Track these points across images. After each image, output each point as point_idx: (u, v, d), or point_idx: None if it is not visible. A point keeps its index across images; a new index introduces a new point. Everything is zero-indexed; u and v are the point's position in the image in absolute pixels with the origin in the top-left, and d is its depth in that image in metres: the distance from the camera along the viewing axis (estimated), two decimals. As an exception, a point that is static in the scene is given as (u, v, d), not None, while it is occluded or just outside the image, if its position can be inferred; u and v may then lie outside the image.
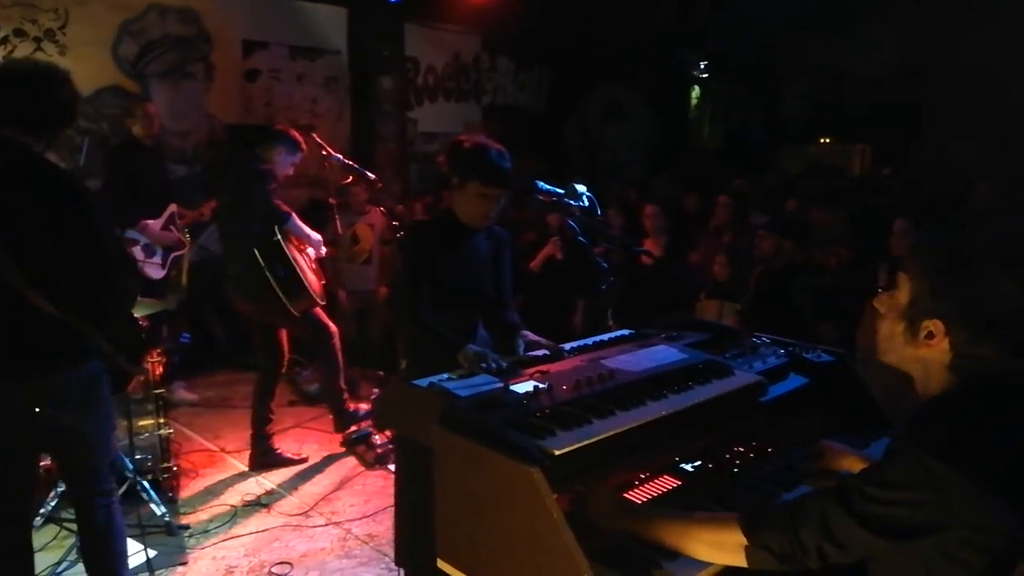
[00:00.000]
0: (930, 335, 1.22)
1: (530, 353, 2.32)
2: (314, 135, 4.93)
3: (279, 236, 3.80)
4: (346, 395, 4.33)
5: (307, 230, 4.02)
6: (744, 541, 1.30)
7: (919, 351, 1.25)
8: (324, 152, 4.59)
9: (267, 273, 3.72)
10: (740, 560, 1.31)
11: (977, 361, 1.19)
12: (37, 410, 2.22)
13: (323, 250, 4.18)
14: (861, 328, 3.71)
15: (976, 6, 7.22)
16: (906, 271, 1.28)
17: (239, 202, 3.82)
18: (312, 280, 3.97)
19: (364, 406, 4.31)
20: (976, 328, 1.18)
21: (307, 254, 4.08)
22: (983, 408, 1.17)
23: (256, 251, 3.74)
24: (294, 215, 3.89)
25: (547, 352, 2.26)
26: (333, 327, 4.18)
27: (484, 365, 2.03)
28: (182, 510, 3.51)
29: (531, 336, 2.53)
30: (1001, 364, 1.18)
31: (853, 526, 1.16)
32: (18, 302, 2.14)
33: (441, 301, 2.51)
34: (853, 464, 1.68)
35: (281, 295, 3.77)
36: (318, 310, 4.10)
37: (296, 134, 4.08)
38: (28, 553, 2.40)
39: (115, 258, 2.36)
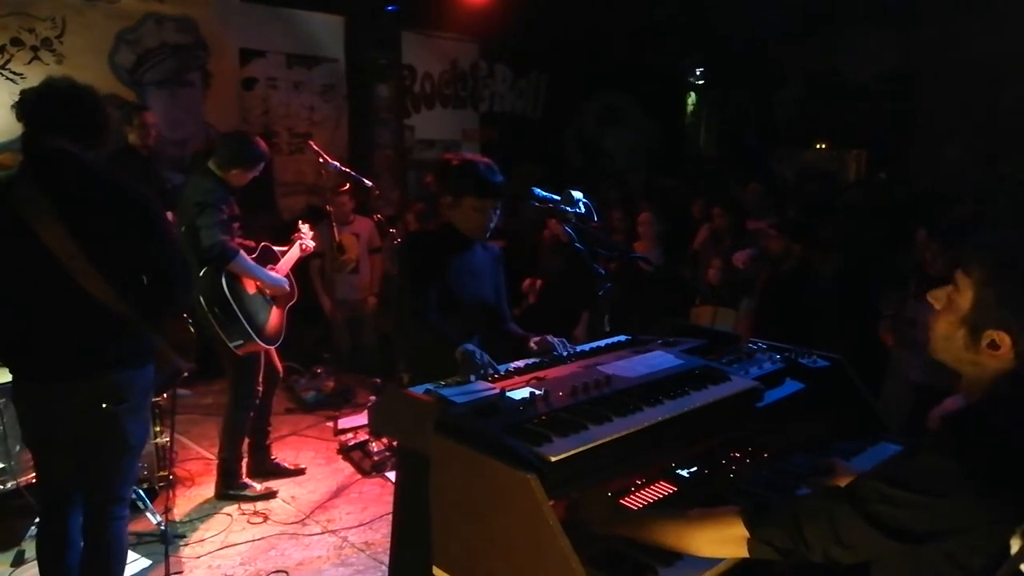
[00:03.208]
0: (994, 344, 1.18)
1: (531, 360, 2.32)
2: (311, 143, 4.94)
3: (224, 281, 3.48)
4: (243, 463, 3.88)
5: (256, 269, 3.62)
6: (746, 534, 1.30)
7: (977, 357, 1.21)
8: (321, 159, 4.61)
9: (211, 318, 3.45)
10: (742, 551, 1.31)
11: None
12: (104, 405, 2.27)
13: (284, 288, 3.81)
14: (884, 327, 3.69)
15: (972, 9, 7.25)
16: (967, 274, 1.22)
17: (189, 231, 3.45)
18: (265, 321, 3.64)
19: (257, 485, 3.86)
20: None
21: (267, 289, 3.75)
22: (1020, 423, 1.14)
23: (200, 296, 3.42)
24: (242, 253, 3.51)
25: (547, 355, 2.27)
26: (260, 389, 3.83)
27: (476, 360, 2.10)
28: (178, 519, 3.49)
29: (536, 338, 2.52)
30: None
31: (863, 526, 1.15)
32: (92, 303, 2.21)
33: (447, 311, 2.55)
34: None
35: (221, 335, 3.48)
36: (259, 366, 3.76)
37: (258, 142, 3.69)
38: (71, 543, 2.42)
39: (174, 259, 2.40)
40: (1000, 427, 1.14)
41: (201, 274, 3.45)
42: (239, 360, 3.67)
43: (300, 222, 4.13)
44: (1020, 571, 1.04)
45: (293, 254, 3.95)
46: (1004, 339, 1.16)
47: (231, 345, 3.52)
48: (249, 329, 3.52)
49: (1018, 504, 1.07)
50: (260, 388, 3.84)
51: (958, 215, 4.73)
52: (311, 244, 4.06)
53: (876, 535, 1.14)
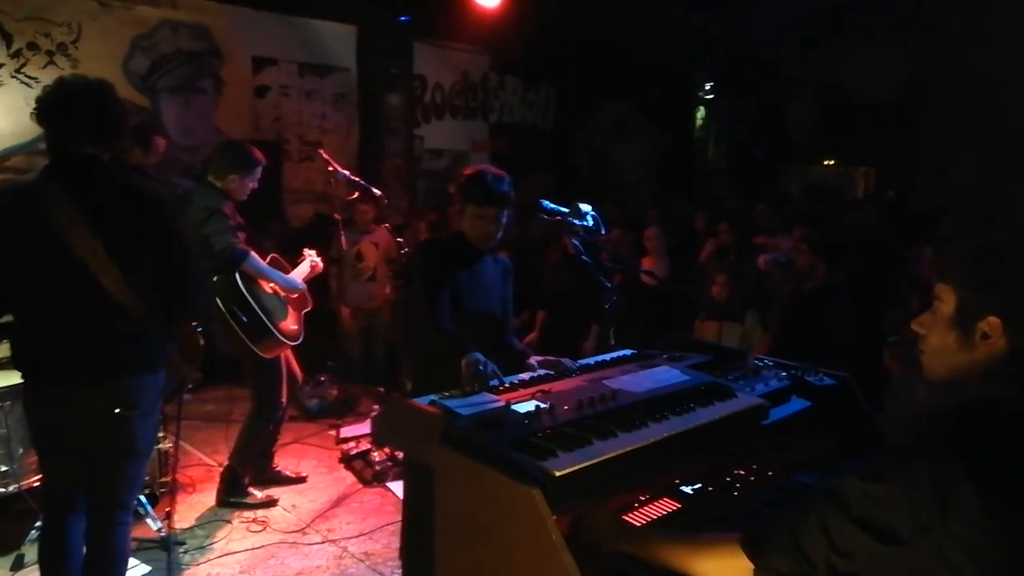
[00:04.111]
0: (986, 335, 1.18)
1: (537, 372, 2.32)
2: (321, 151, 4.97)
3: (239, 280, 3.48)
4: (247, 477, 3.84)
5: (269, 270, 3.63)
6: (750, 566, 1.28)
7: (971, 354, 1.21)
8: (331, 168, 4.62)
9: (229, 319, 3.43)
10: None
11: None
12: (117, 410, 2.28)
13: (300, 289, 3.82)
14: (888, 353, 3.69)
15: (983, 27, 7.25)
16: (947, 282, 1.23)
17: (198, 239, 3.42)
18: (283, 320, 3.65)
19: (258, 493, 3.82)
20: None
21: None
22: (1002, 415, 1.15)
23: (217, 299, 3.42)
24: (253, 254, 3.51)
25: (552, 371, 2.26)
26: (284, 398, 3.82)
27: (480, 369, 2.12)
28: (178, 525, 3.49)
29: (538, 358, 2.53)
30: None
31: (854, 530, 1.15)
32: (112, 305, 2.22)
33: (456, 318, 2.58)
34: None
35: (244, 339, 3.47)
36: (283, 377, 3.74)
37: (253, 149, 3.71)
38: (73, 548, 2.42)
39: (189, 260, 2.42)
40: (967, 426, 1.15)
41: (215, 280, 3.45)
42: (263, 369, 3.66)
43: (305, 249, 4.07)
44: None
45: (304, 269, 3.95)
46: (995, 324, 1.17)
47: (256, 348, 3.51)
48: (271, 326, 3.51)
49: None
50: (284, 400, 3.82)
51: (960, 230, 4.71)
52: (319, 261, 4.04)
53: (867, 539, 1.14)
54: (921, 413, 1.31)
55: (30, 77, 5.32)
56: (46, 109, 2.26)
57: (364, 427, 4.71)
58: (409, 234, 5.91)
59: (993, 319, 1.17)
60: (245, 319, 3.46)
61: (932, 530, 1.10)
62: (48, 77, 5.29)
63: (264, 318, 3.51)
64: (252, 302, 3.49)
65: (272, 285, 3.70)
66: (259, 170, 3.70)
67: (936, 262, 1.27)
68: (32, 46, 5.34)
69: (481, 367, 2.15)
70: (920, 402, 3.49)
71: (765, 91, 9.62)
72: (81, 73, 5.31)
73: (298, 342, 3.77)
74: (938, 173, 7.96)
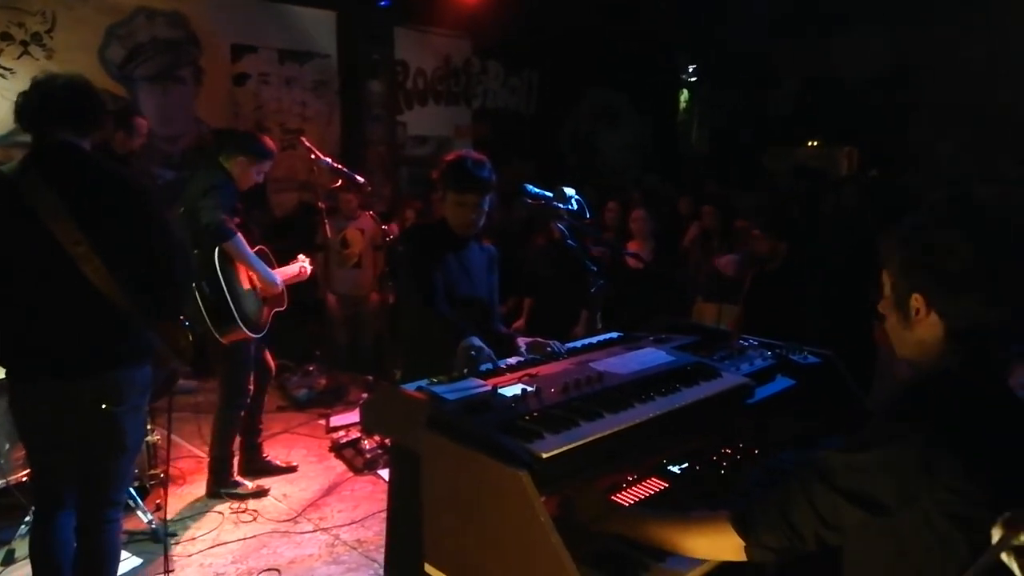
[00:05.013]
0: (917, 312, 1.25)
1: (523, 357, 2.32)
2: (303, 139, 4.92)
3: (216, 257, 3.43)
4: (235, 460, 3.87)
5: (251, 256, 3.58)
6: (741, 542, 1.30)
7: (915, 332, 1.27)
8: (313, 156, 4.59)
9: (195, 289, 3.36)
10: (741, 557, 1.32)
11: (966, 323, 1.22)
12: (104, 406, 2.26)
13: (277, 286, 3.74)
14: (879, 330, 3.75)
15: (964, 9, 7.29)
16: (884, 267, 1.32)
17: (189, 212, 3.45)
18: (250, 310, 3.58)
19: (249, 483, 3.83)
20: (947, 289, 1.22)
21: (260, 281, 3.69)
22: (964, 387, 1.20)
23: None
24: (240, 236, 3.48)
25: (539, 354, 2.27)
26: (252, 386, 3.79)
27: (475, 355, 2.11)
28: (169, 517, 3.48)
29: (526, 340, 2.53)
30: (987, 317, 1.21)
31: (842, 502, 1.18)
32: (96, 297, 2.20)
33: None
34: None
35: (204, 315, 3.39)
36: (251, 364, 3.74)
37: (266, 140, 3.77)
38: (64, 543, 2.41)
39: (173, 250, 2.39)
40: (934, 393, 1.21)
41: (196, 253, 3.42)
42: (229, 357, 3.64)
43: (300, 255, 4.07)
44: (1001, 560, 1.05)
45: (292, 270, 3.93)
46: (919, 300, 1.24)
47: (213, 327, 3.44)
48: (233, 309, 3.45)
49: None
50: (251, 387, 3.81)
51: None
52: (308, 269, 4.04)
53: (854, 510, 1.17)
54: (898, 387, 1.36)
55: (5, 68, 5.23)
56: (24, 109, 2.24)
57: (354, 416, 4.71)
58: (396, 222, 5.88)
59: (917, 296, 1.24)
60: (212, 297, 3.42)
61: (918, 499, 1.13)
62: (23, 67, 5.21)
63: (230, 302, 3.45)
64: (222, 280, 3.43)
65: (250, 277, 3.65)
66: (267, 163, 3.73)
67: (880, 251, 1.34)
68: (6, 36, 5.24)
69: (474, 353, 2.14)
70: (901, 378, 3.53)
71: (750, 74, 9.61)
72: (57, 63, 5.29)
73: (259, 335, 3.70)
74: (923, 153, 8.01)
